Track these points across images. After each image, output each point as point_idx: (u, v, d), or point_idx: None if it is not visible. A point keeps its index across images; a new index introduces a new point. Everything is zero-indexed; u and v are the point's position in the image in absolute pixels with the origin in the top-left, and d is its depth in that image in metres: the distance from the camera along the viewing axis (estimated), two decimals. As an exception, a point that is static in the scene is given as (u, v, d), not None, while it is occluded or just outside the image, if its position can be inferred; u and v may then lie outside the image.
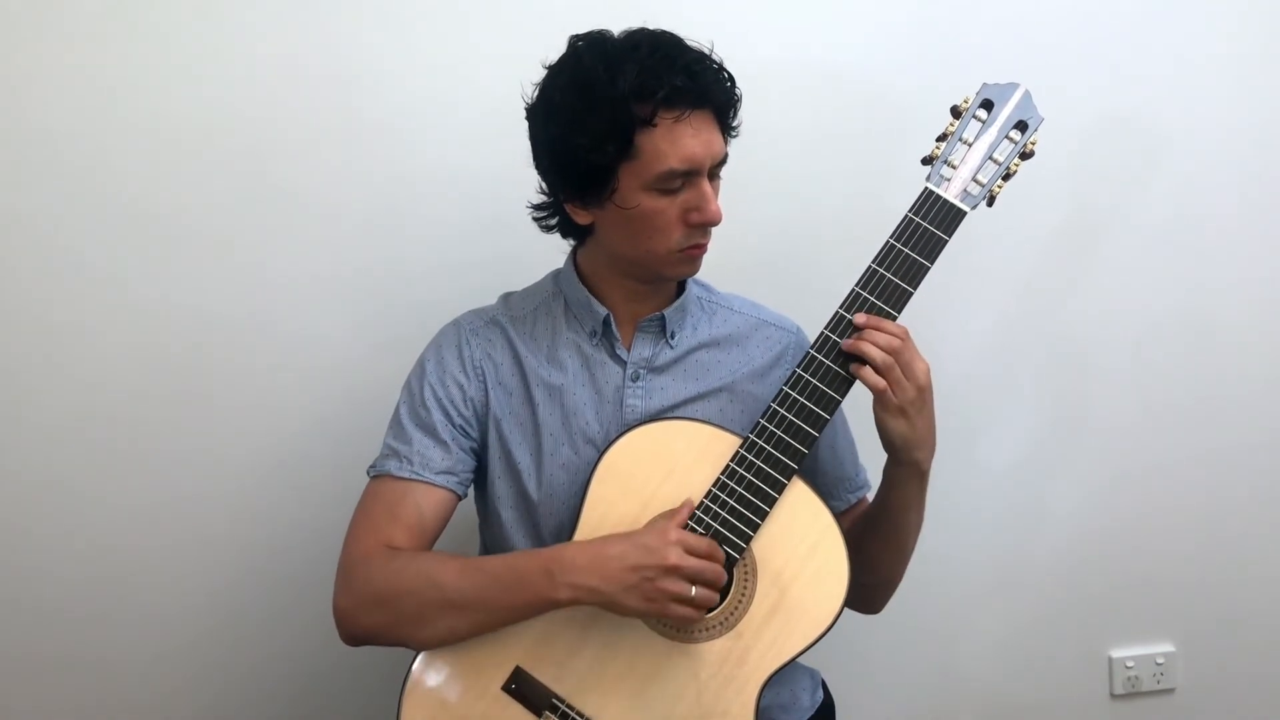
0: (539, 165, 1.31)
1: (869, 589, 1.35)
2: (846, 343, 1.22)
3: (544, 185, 1.33)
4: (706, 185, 1.25)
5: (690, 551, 1.16)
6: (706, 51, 1.26)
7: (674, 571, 1.15)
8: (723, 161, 1.27)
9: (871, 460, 1.39)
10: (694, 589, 1.16)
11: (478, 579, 1.20)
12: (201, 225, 1.61)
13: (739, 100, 1.28)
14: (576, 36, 1.27)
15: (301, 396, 1.66)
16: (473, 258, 1.66)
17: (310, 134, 1.62)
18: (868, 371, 1.21)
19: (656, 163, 1.21)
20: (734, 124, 1.29)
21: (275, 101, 1.61)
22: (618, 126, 1.20)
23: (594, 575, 1.16)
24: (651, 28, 1.26)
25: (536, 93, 1.28)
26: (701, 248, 1.29)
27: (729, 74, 1.27)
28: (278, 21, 1.60)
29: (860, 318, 1.23)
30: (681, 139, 1.21)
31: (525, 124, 1.30)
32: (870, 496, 1.40)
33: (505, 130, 1.34)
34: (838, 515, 1.35)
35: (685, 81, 1.21)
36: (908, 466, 1.26)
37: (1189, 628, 1.93)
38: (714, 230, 1.29)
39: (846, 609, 1.24)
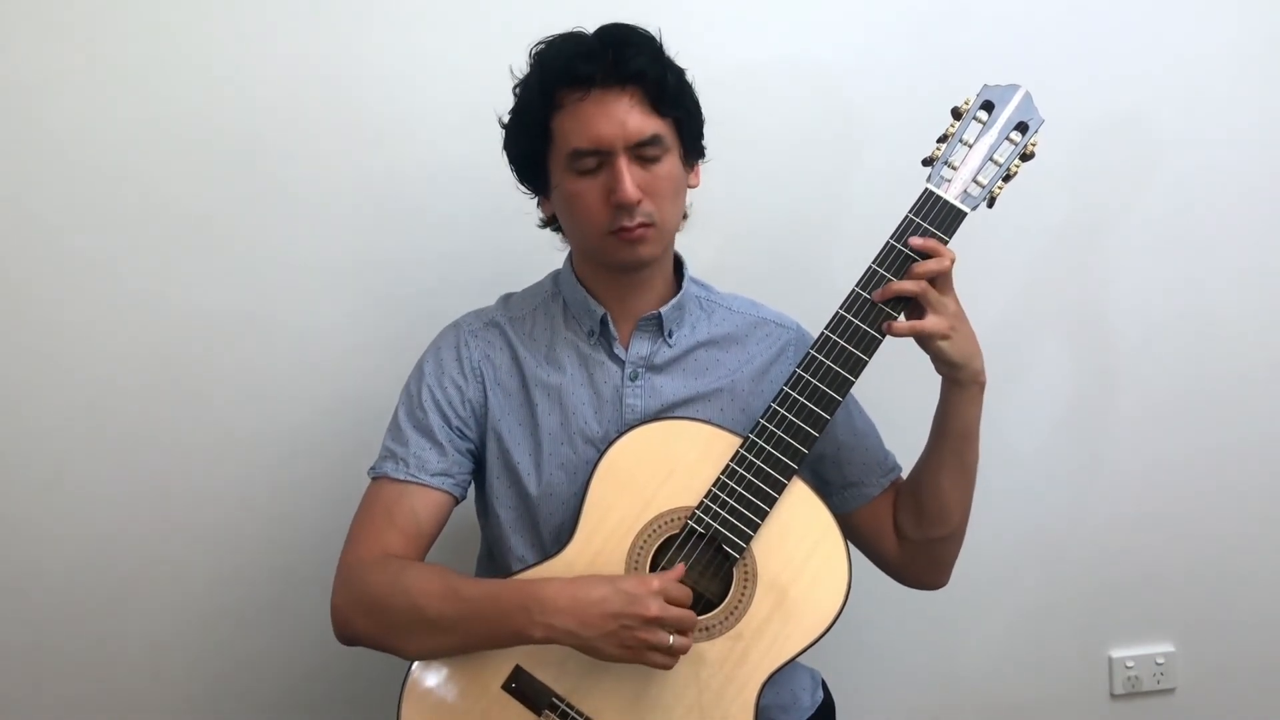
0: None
1: (940, 544, 1.35)
2: (897, 284, 1.21)
3: None
4: (620, 164, 1.22)
5: (671, 601, 1.16)
6: (643, 33, 1.26)
7: (655, 623, 1.14)
8: (651, 141, 1.23)
9: (891, 444, 1.42)
10: (672, 638, 1.15)
11: (458, 606, 1.19)
12: (202, 222, 1.61)
13: (664, 73, 1.25)
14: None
15: (301, 393, 1.67)
16: (473, 255, 1.66)
17: (310, 131, 1.62)
18: (900, 324, 1.21)
19: (565, 143, 1.24)
20: (674, 100, 1.26)
21: (274, 99, 1.61)
22: (535, 115, 1.25)
23: (572, 619, 1.15)
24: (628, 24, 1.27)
25: None
26: (629, 230, 1.24)
27: (652, 50, 1.25)
28: (277, 19, 1.60)
29: (916, 240, 1.22)
30: (585, 118, 1.22)
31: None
32: (904, 475, 1.40)
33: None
34: (872, 502, 1.37)
35: (584, 63, 1.22)
36: (969, 382, 1.26)
37: (1189, 628, 1.93)
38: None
39: (933, 592, 1.30)
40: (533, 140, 1.27)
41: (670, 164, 1.27)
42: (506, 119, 1.32)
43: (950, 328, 1.22)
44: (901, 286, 1.21)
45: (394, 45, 1.63)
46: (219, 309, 1.63)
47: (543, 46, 1.28)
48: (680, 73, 1.29)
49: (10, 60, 1.55)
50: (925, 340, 1.22)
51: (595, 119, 1.22)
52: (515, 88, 1.31)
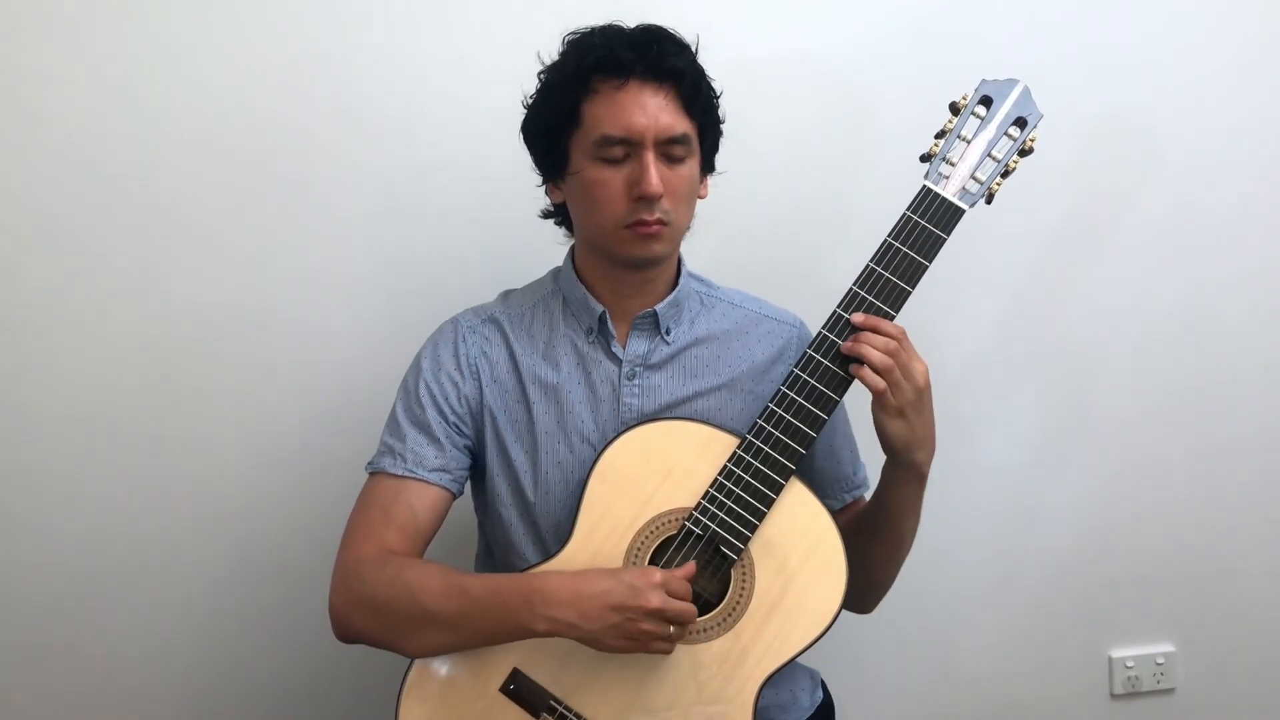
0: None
1: (860, 590, 1.34)
2: (845, 344, 1.21)
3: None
4: (648, 157, 1.23)
5: (671, 594, 1.15)
6: (682, 38, 1.28)
7: (656, 615, 1.14)
8: (680, 140, 1.25)
9: (872, 459, 1.39)
10: (672, 628, 1.15)
11: (460, 600, 1.19)
12: (206, 220, 1.61)
13: (700, 78, 1.27)
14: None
15: (304, 390, 1.66)
16: (477, 252, 1.66)
17: (315, 129, 1.62)
18: (866, 372, 1.20)
19: (595, 129, 1.24)
20: (705, 106, 1.28)
21: (279, 96, 1.61)
22: (566, 96, 1.26)
23: (574, 611, 1.14)
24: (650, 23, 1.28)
25: None
26: (647, 224, 1.25)
27: (687, 49, 1.27)
28: (282, 16, 1.59)
29: (858, 317, 1.22)
30: (620, 107, 1.23)
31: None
32: (868, 495, 1.39)
33: (511, 125, 1.35)
34: (833, 514, 1.35)
35: (626, 52, 1.23)
36: (907, 468, 1.26)
37: (1189, 628, 1.92)
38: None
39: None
40: (559, 119, 1.27)
41: (691, 167, 1.28)
42: (531, 107, 1.32)
43: (898, 410, 1.20)
44: (862, 352, 1.20)
45: (397, 44, 1.62)
46: (219, 306, 1.63)
47: (578, 35, 1.29)
48: (711, 83, 1.30)
49: (14, 59, 1.54)
50: (874, 407, 1.22)
51: (630, 109, 1.23)
52: (541, 73, 1.31)
